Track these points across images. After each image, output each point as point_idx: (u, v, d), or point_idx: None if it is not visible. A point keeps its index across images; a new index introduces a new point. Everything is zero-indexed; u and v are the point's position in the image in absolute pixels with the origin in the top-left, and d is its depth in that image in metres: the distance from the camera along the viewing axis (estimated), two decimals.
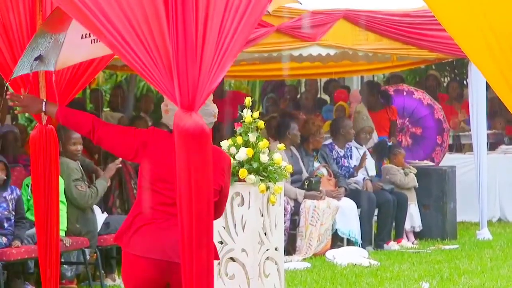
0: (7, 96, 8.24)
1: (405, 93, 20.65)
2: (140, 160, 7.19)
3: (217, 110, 7.52)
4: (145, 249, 7.11)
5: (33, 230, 11.91)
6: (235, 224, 10.75)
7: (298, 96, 22.96)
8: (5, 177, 13.11)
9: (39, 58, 8.34)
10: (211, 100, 7.37)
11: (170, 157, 6.61)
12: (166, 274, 7.13)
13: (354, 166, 17.75)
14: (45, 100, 8.16)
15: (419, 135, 20.21)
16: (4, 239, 12.83)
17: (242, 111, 11.21)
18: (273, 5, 9.12)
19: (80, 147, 13.95)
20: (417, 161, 19.00)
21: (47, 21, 8.31)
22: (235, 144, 10.88)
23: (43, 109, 7.92)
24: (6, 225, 12.98)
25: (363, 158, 17.89)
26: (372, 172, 18.11)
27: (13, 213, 13.10)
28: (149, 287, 7.22)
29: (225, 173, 7.44)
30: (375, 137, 18.99)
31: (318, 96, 22.78)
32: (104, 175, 14.01)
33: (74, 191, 13.56)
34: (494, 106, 18.55)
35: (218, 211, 7.35)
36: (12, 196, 13.12)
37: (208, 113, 7.29)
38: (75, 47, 8.24)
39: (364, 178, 17.69)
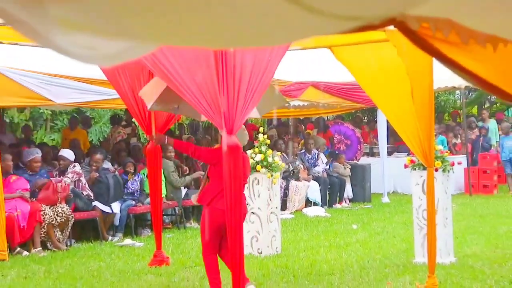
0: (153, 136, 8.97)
1: (339, 123, 20.89)
2: (218, 164, 7.15)
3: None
4: (222, 205, 7.10)
5: (148, 199, 11.94)
6: (255, 194, 10.70)
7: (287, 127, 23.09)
8: (133, 170, 13.18)
9: (177, 108, 8.26)
10: (245, 129, 7.51)
11: None
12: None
13: (316, 163, 17.80)
14: (166, 136, 8.35)
15: (349, 144, 20.28)
16: (133, 202, 12.84)
17: (257, 134, 11.19)
18: (265, 110, 8.54)
19: (173, 153, 13.98)
20: (350, 161, 18.98)
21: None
22: (255, 152, 10.84)
23: (165, 141, 8.25)
24: (136, 194, 13.02)
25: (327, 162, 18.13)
26: (326, 166, 18.09)
27: (140, 188, 13.17)
28: (221, 228, 7.16)
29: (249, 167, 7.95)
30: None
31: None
32: (188, 177, 14.25)
33: (173, 178, 13.66)
34: (391, 131, 18.43)
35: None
36: (139, 179, 13.17)
37: (246, 134, 7.56)
38: None
39: (322, 170, 17.69)
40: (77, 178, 12.18)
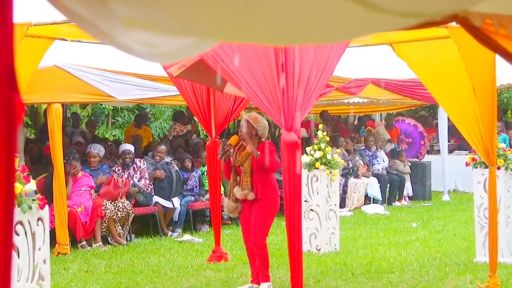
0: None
1: (400, 121, 20.54)
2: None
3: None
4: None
5: (207, 195, 12.00)
6: (313, 191, 10.67)
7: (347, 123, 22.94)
8: (191, 166, 13.25)
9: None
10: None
11: None
12: None
13: (376, 160, 17.67)
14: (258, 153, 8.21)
15: (410, 142, 19.97)
16: (193, 198, 12.91)
17: (317, 131, 11.16)
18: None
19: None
20: (410, 158, 18.78)
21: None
22: (314, 148, 10.81)
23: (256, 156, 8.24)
24: (195, 190, 13.09)
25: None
26: (386, 164, 17.93)
27: (198, 184, 13.23)
28: None
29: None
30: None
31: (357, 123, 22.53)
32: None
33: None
34: (451, 129, 18.20)
35: None
36: (197, 175, 13.24)
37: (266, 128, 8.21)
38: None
39: (382, 167, 17.55)
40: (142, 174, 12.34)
